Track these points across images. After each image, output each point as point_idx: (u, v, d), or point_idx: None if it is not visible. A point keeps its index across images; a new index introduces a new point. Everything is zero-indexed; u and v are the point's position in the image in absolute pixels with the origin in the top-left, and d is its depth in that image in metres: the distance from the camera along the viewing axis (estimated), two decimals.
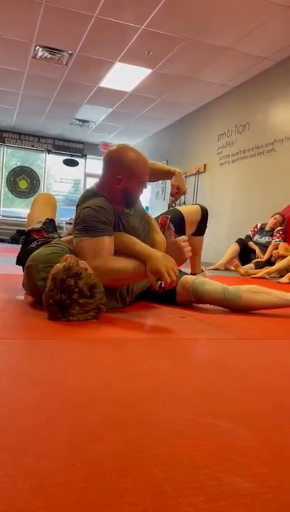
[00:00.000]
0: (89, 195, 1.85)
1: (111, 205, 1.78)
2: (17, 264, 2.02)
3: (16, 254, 2.06)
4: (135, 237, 1.81)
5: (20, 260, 1.94)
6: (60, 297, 1.45)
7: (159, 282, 1.64)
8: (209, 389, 0.91)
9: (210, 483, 0.54)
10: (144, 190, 1.89)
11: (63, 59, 5.64)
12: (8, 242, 8.36)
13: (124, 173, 1.77)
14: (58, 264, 1.53)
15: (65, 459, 0.58)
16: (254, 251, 5.05)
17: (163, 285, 1.63)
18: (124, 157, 1.77)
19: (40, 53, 5.49)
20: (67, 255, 1.63)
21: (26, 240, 2.04)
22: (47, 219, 2.11)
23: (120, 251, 1.71)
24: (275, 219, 5.00)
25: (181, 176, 2.24)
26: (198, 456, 0.61)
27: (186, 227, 2.32)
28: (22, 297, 1.90)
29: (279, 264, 4.35)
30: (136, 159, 1.78)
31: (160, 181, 8.68)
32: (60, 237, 2.06)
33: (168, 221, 2.17)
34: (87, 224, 1.72)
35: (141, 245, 1.69)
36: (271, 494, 0.53)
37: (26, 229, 2.14)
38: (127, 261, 1.65)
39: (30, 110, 8.05)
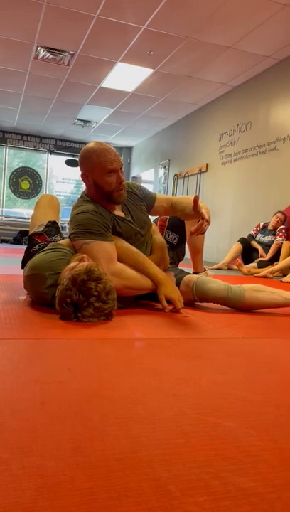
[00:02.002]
0: (82, 200, 1.89)
1: (106, 210, 1.80)
2: (23, 268, 2.02)
3: (19, 256, 2.06)
4: (134, 243, 1.84)
5: (26, 264, 1.94)
6: (78, 298, 1.46)
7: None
8: (212, 388, 0.91)
9: (214, 483, 0.54)
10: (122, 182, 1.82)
11: (65, 59, 5.64)
12: (11, 243, 8.37)
13: (86, 167, 1.82)
14: (75, 264, 1.54)
15: (69, 458, 0.58)
16: (257, 250, 5.05)
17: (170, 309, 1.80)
18: (82, 153, 1.84)
19: (41, 54, 5.50)
20: (83, 255, 1.64)
21: (29, 243, 2.04)
22: (50, 222, 2.12)
23: (127, 263, 1.78)
24: (277, 217, 5.00)
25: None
26: (202, 456, 0.61)
27: (186, 225, 2.32)
28: (24, 297, 1.90)
29: (282, 263, 4.34)
30: (91, 149, 1.81)
31: (162, 181, 8.69)
32: (63, 238, 2.06)
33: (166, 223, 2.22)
34: (88, 228, 1.74)
35: (155, 269, 1.81)
36: (276, 493, 0.53)
37: (29, 232, 2.14)
38: (137, 274, 1.78)
39: (32, 111, 8.06)
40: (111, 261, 1.72)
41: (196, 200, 1.73)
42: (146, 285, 1.79)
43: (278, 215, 5.01)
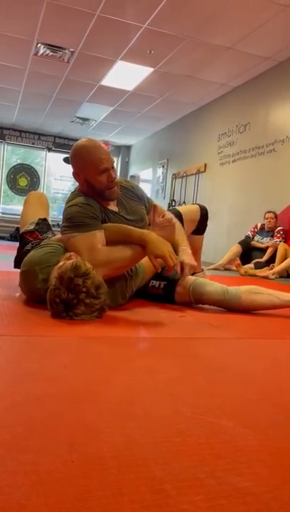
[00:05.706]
0: (74, 194, 1.88)
1: (96, 202, 1.80)
2: (15, 267, 2.02)
3: (15, 252, 2.06)
4: None
5: (18, 264, 1.94)
6: (66, 296, 1.43)
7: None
8: (208, 388, 0.91)
9: (209, 482, 0.54)
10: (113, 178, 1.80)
11: (65, 57, 5.62)
12: (8, 240, 8.34)
13: (77, 166, 1.81)
14: (63, 263, 1.53)
15: (64, 455, 0.57)
16: (258, 249, 5.06)
17: (165, 269, 1.72)
18: (73, 151, 1.81)
19: (41, 51, 5.48)
20: (71, 253, 1.63)
21: (21, 242, 2.03)
22: (40, 219, 2.10)
23: (114, 240, 1.70)
24: (267, 218, 5.07)
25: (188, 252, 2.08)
26: (198, 455, 0.61)
27: (185, 225, 2.31)
28: (19, 294, 1.89)
29: (284, 264, 4.38)
30: (82, 148, 1.78)
31: (160, 180, 8.68)
32: (54, 235, 2.06)
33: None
34: (75, 221, 1.73)
35: (136, 231, 1.70)
36: (272, 493, 0.53)
37: (20, 231, 2.13)
38: (122, 248, 1.68)
39: (31, 108, 8.03)
40: (92, 250, 1.66)
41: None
42: (137, 254, 1.69)
43: (267, 215, 5.07)
